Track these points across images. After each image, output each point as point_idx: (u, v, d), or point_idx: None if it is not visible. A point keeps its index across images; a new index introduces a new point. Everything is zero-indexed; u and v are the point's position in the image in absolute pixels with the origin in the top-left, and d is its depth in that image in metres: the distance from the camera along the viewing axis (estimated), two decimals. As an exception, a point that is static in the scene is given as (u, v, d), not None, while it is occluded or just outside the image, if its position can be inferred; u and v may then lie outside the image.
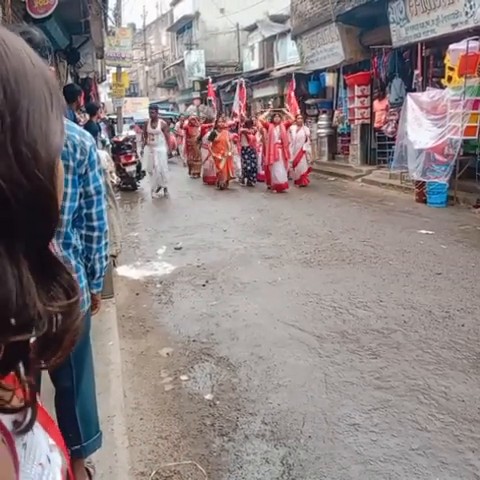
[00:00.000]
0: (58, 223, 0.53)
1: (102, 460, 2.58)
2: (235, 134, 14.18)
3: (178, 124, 21.12)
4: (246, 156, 13.88)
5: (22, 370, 0.54)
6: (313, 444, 2.92)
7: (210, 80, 19.96)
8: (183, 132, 17.76)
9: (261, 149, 13.64)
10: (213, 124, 14.18)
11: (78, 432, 2.29)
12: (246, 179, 13.98)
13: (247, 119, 14.67)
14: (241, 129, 14.05)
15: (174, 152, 21.42)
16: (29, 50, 0.53)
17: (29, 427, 0.54)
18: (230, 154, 13.48)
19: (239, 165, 14.26)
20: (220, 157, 13.16)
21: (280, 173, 12.49)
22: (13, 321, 0.48)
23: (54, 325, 0.52)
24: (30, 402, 0.54)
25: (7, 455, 0.51)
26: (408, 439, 2.93)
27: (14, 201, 0.46)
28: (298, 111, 14.18)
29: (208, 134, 13.93)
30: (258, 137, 13.74)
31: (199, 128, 15.77)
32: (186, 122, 17.85)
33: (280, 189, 12.40)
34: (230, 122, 14.99)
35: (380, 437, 2.96)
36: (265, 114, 14.33)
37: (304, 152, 13.10)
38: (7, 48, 0.49)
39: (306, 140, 13.22)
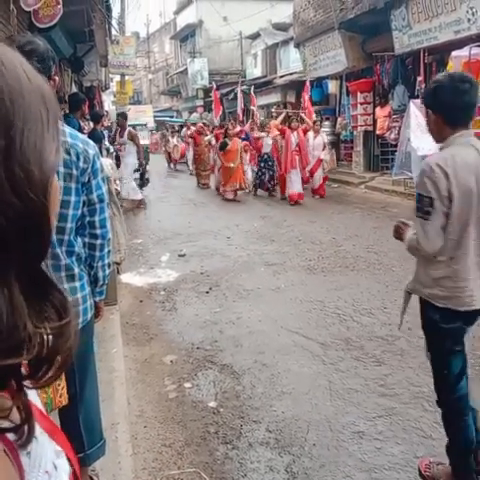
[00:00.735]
0: (50, 243, 0.53)
1: (106, 468, 2.57)
2: (246, 142, 13.37)
3: (184, 130, 20.77)
4: (262, 164, 12.87)
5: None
6: (317, 452, 2.91)
7: (215, 87, 19.72)
8: (190, 140, 16.83)
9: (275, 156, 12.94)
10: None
11: (82, 440, 2.29)
12: (258, 188, 13.07)
13: (262, 120, 14.03)
14: (255, 135, 13.33)
15: (183, 160, 21.20)
16: (26, 66, 0.52)
17: (28, 442, 0.54)
18: (242, 163, 12.80)
19: (249, 175, 13.54)
20: (232, 165, 12.53)
21: (296, 182, 11.65)
22: (3, 344, 0.47)
23: (45, 346, 0.52)
24: (25, 421, 0.53)
25: (10, 467, 0.51)
26: (413, 447, 2.91)
27: (5, 221, 0.46)
28: (314, 116, 13.49)
29: (219, 143, 13.38)
30: (269, 142, 12.83)
31: (210, 136, 15.10)
32: (192, 129, 17.43)
33: (295, 199, 11.47)
34: (238, 129, 14.11)
35: (385, 445, 2.94)
36: (279, 119, 13.85)
37: (321, 161, 12.34)
38: (3, 66, 0.49)
39: (324, 148, 12.41)
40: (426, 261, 2.45)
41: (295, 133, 11.84)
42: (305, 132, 12.34)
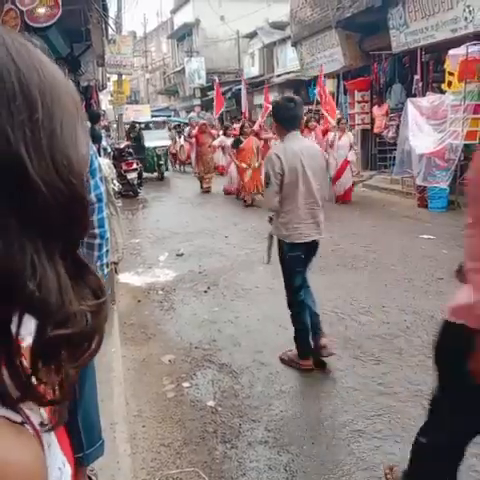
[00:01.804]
0: (88, 226, 0.57)
1: (105, 468, 2.57)
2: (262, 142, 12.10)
3: (188, 130, 18.49)
4: None
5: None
6: (316, 450, 2.91)
7: (217, 81, 18.54)
8: (193, 140, 14.86)
9: None
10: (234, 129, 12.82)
11: (81, 440, 2.29)
12: None
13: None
14: (264, 136, 12.23)
15: (189, 161, 19.37)
16: (59, 71, 0.57)
17: (53, 428, 0.57)
18: (257, 165, 11.43)
19: None
20: (244, 166, 11.46)
21: None
22: (53, 317, 0.51)
23: (85, 324, 0.55)
24: (63, 399, 0.57)
25: (41, 450, 0.54)
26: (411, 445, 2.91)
27: (53, 204, 0.50)
28: (338, 113, 11.86)
29: (232, 140, 12.29)
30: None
31: (220, 138, 13.89)
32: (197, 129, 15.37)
33: None
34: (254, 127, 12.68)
35: (383, 443, 2.95)
36: None
37: (349, 163, 11.05)
38: (43, 66, 0.53)
39: (350, 148, 11.05)
40: (277, 214, 3.79)
41: (312, 134, 10.90)
42: (325, 132, 11.38)
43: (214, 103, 17.50)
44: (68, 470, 0.62)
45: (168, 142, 17.31)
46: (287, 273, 3.84)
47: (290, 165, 3.60)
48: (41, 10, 5.95)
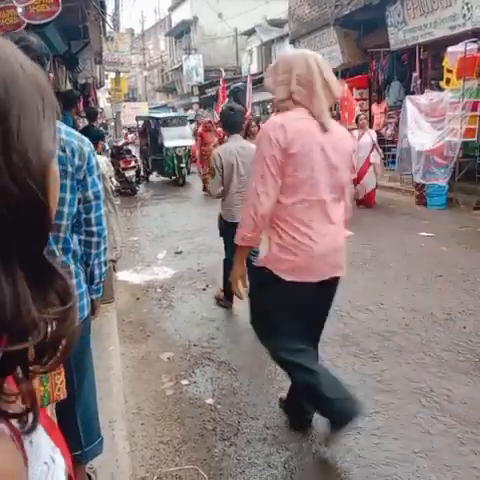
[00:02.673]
0: (50, 230, 0.53)
1: (104, 465, 2.57)
2: None
3: (194, 127, 17.21)
4: None
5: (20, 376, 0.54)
6: (315, 448, 2.91)
7: (223, 74, 17.46)
8: (198, 139, 13.87)
9: None
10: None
11: (79, 437, 2.29)
12: None
13: (257, 116, 12.16)
14: None
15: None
16: (20, 55, 0.52)
17: (32, 429, 0.55)
18: None
19: None
20: None
21: None
22: (7, 330, 0.48)
23: (49, 331, 0.53)
24: (31, 407, 0.54)
25: (16, 452, 0.52)
26: (410, 442, 2.91)
27: (6, 210, 0.46)
28: (358, 109, 10.91)
29: None
30: None
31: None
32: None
33: None
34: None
35: (382, 440, 2.95)
36: None
37: (371, 164, 9.97)
38: None
39: (373, 148, 9.95)
40: (221, 199, 4.68)
41: None
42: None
43: (220, 98, 17.02)
44: (60, 462, 0.61)
45: (190, 141, 14.76)
46: (227, 244, 4.58)
47: (227, 162, 4.51)
48: (39, 7, 5.93)
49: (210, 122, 13.83)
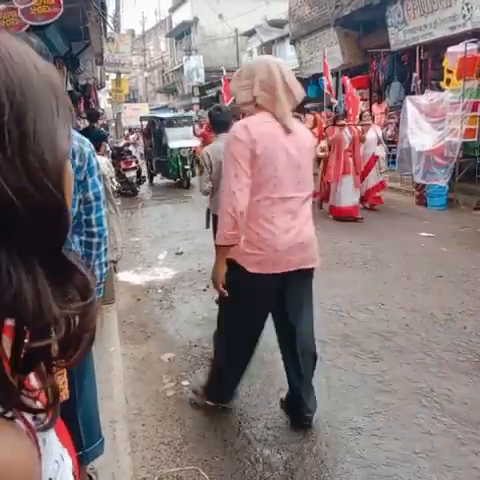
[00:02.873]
0: (68, 228, 0.54)
1: (105, 466, 2.57)
2: None
3: (197, 127, 16.84)
4: None
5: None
6: (316, 448, 2.91)
7: (225, 73, 17.01)
8: (201, 139, 13.61)
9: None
10: None
11: (80, 438, 2.29)
12: None
13: (296, 114, 11.57)
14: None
15: None
16: (33, 55, 0.53)
17: (49, 426, 0.57)
18: None
19: None
20: None
21: (348, 192, 9.02)
22: (30, 327, 0.50)
23: (72, 326, 0.54)
24: (53, 403, 0.56)
25: (33, 448, 0.53)
26: (411, 442, 2.92)
27: (25, 212, 0.47)
28: (361, 106, 10.61)
29: None
30: None
31: None
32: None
33: (347, 215, 8.95)
34: None
35: (383, 441, 2.95)
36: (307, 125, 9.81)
37: (376, 158, 9.71)
38: (11, 59, 0.49)
39: (378, 143, 9.76)
40: (210, 195, 4.75)
41: (346, 129, 9.08)
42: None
43: (224, 97, 16.83)
44: (68, 462, 0.62)
45: (195, 142, 14.44)
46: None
47: (215, 160, 4.50)
48: (40, 8, 5.95)
49: None
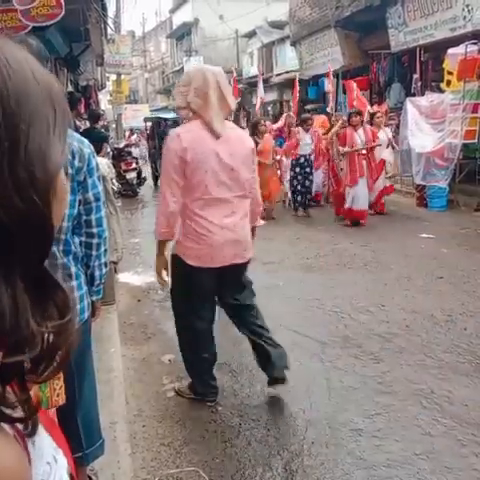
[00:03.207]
0: (52, 243, 0.53)
1: (105, 467, 2.57)
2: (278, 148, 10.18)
3: None
4: (298, 169, 9.71)
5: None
6: (316, 450, 2.91)
7: (235, 73, 16.63)
8: None
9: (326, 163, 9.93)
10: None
11: (80, 439, 2.29)
12: (299, 205, 9.80)
13: (306, 115, 10.56)
14: (296, 128, 10.09)
15: None
16: (33, 64, 0.52)
17: (33, 433, 0.55)
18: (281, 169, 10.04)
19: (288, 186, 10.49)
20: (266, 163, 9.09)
21: (362, 196, 8.69)
22: (6, 341, 0.48)
23: (45, 343, 0.53)
24: (30, 415, 0.54)
25: (21, 452, 0.53)
26: (411, 444, 2.91)
27: (8, 223, 0.46)
28: (369, 107, 9.98)
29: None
30: (308, 140, 9.66)
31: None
32: None
33: (360, 218, 8.72)
34: (277, 125, 11.54)
35: (383, 442, 2.94)
36: (334, 129, 9.56)
37: (384, 163, 9.44)
38: (10, 67, 0.48)
39: (388, 146, 9.41)
40: None
41: (360, 130, 8.69)
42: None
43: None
44: (62, 463, 0.62)
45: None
46: None
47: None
48: (40, 10, 5.95)
49: None
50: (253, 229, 3.34)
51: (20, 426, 0.54)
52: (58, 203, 0.53)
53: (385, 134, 9.39)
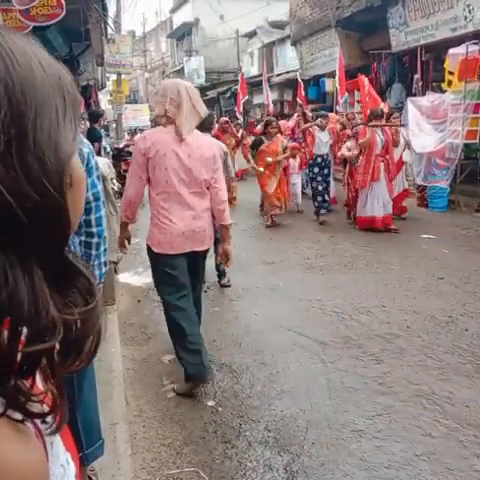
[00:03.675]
0: (71, 230, 0.53)
1: (105, 468, 2.56)
2: (294, 144, 9.74)
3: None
4: (317, 169, 9.24)
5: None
6: (317, 451, 2.90)
7: (242, 71, 16.71)
8: None
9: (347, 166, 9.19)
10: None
11: (80, 440, 2.28)
12: (319, 207, 9.17)
13: (322, 112, 10.21)
14: (304, 126, 9.95)
15: None
16: (41, 55, 0.52)
17: (56, 431, 0.55)
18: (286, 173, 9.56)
19: (298, 189, 10.11)
20: (261, 169, 8.82)
21: (379, 200, 8.12)
22: (26, 330, 0.48)
23: (73, 331, 0.53)
24: (54, 408, 0.54)
25: (42, 449, 0.53)
26: (412, 445, 2.91)
27: (22, 213, 0.46)
28: (383, 106, 9.13)
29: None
30: (325, 139, 9.24)
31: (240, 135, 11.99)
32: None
33: (372, 226, 8.12)
34: (290, 123, 11.19)
35: (384, 443, 2.94)
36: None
37: (403, 164, 9.14)
38: (14, 58, 0.48)
39: (405, 148, 9.15)
40: None
41: (379, 130, 8.13)
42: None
43: (239, 96, 16.37)
44: (72, 468, 0.62)
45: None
46: None
47: None
48: (40, 10, 5.94)
49: (227, 122, 12.02)
50: (225, 229, 3.68)
51: (41, 426, 0.54)
52: (75, 190, 0.53)
53: (401, 135, 8.89)
